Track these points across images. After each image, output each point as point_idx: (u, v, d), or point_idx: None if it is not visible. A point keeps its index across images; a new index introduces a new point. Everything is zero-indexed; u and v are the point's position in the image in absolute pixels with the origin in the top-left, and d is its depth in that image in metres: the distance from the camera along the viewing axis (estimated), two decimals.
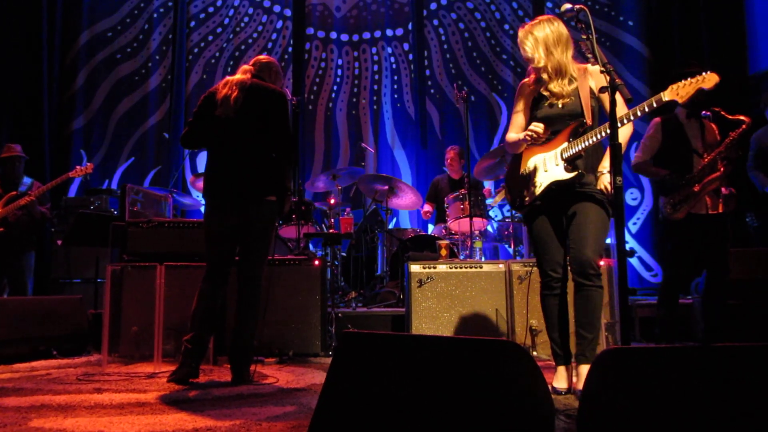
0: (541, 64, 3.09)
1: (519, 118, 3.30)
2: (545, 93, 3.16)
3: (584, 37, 2.55)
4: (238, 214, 3.50)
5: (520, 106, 3.30)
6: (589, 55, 2.52)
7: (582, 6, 2.59)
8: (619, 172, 2.24)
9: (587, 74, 3.10)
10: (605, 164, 3.00)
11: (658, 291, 4.77)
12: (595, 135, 2.86)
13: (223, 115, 3.50)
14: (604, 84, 2.53)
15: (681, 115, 4.45)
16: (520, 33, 3.14)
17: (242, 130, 3.52)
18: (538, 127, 3.04)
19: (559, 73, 3.09)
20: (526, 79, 3.28)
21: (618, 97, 2.39)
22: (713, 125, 4.40)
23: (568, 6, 2.67)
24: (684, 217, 4.26)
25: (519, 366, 1.67)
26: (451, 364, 1.74)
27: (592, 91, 3.08)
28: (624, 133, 2.91)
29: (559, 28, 3.08)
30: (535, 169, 3.15)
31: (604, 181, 2.98)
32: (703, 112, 4.41)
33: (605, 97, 2.78)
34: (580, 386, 2.88)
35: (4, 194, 5.39)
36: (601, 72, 2.42)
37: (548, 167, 3.09)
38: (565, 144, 3.03)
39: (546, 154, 3.11)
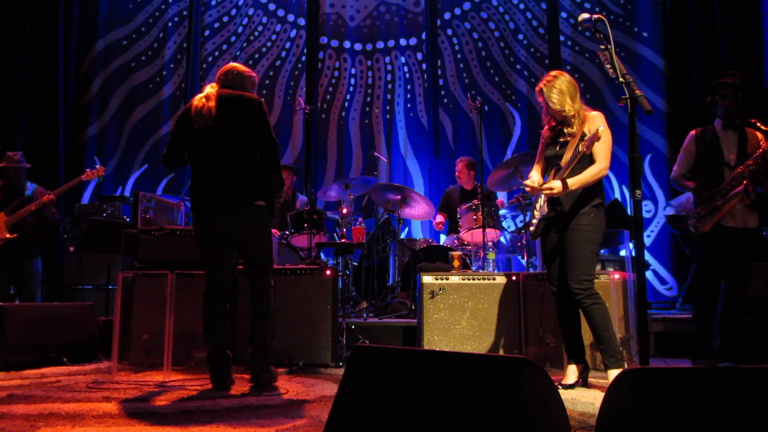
0: (572, 113, 3.53)
1: (538, 161, 3.85)
2: (567, 134, 3.59)
3: (602, 47, 2.52)
4: (228, 221, 3.51)
5: (539, 150, 3.84)
6: (608, 66, 2.49)
7: (600, 16, 2.55)
8: (638, 185, 2.20)
9: (585, 120, 3.55)
10: (569, 180, 3.44)
11: (693, 305, 4.65)
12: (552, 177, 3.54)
13: (201, 126, 3.49)
14: (596, 127, 3.24)
15: (717, 126, 4.38)
16: (544, 89, 3.55)
17: (222, 138, 3.52)
18: (527, 183, 3.67)
19: (577, 116, 3.55)
20: (544, 129, 3.78)
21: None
22: (758, 134, 4.25)
23: (585, 16, 2.64)
24: (710, 230, 4.20)
25: (535, 384, 1.62)
26: (465, 381, 1.70)
27: (583, 135, 3.47)
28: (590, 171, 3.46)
29: (572, 80, 3.59)
30: (539, 206, 3.72)
31: (553, 184, 3.44)
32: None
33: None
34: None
35: (7, 201, 5.38)
36: (620, 82, 2.39)
37: (542, 204, 3.68)
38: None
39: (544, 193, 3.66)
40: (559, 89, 3.51)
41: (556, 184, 3.42)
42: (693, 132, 4.50)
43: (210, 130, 3.49)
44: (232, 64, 3.81)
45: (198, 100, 3.55)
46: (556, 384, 3.47)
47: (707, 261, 4.32)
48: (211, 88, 3.62)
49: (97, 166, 5.70)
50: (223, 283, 3.59)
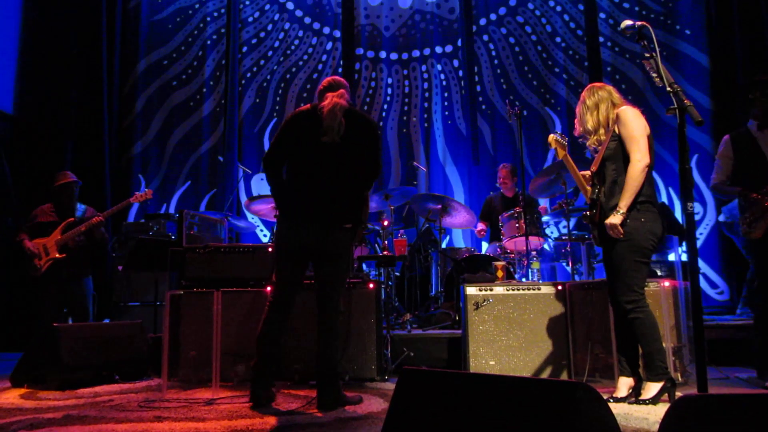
0: (591, 128, 3.59)
1: None
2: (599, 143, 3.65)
3: (647, 55, 2.45)
4: (315, 238, 3.49)
5: None
6: (654, 74, 2.42)
7: (644, 23, 2.49)
8: (690, 198, 2.13)
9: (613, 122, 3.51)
10: (619, 203, 3.33)
11: (754, 316, 4.44)
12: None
13: (330, 140, 3.47)
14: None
15: (752, 128, 4.25)
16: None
17: (344, 157, 3.52)
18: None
19: (601, 126, 3.57)
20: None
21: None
22: None
23: (628, 23, 2.58)
24: (763, 236, 4.05)
25: (589, 408, 1.58)
26: (517, 406, 1.67)
27: (613, 134, 3.46)
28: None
29: (592, 91, 3.58)
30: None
31: (611, 219, 3.33)
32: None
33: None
34: (643, 396, 3.37)
35: (60, 221, 5.51)
36: (668, 92, 2.32)
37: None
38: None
39: None
40: (580, 110, 3.61)
41: (612, 220, 3.31)
42: (727, 136, 4.39)
43: (336, 145, 3.47)
44: (332, 77, 3.76)
45: (332, 112, 3.48)
46: (607, 398, 3.40)
47: (764, 269, 4.16)
48: (339, 98, 3.55)
49: (144, 190, 5.79)
50: (290, 296, 3.59)
